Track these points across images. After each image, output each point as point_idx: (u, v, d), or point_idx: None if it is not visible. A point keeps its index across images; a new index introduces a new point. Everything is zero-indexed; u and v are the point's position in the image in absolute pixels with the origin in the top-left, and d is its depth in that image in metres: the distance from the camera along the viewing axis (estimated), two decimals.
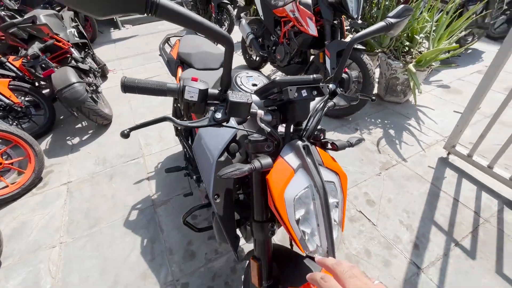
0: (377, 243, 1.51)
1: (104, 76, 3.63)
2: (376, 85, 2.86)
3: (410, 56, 2.40)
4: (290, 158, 0.66)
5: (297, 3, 2.34)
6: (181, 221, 1.68)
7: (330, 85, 0.80)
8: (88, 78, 2.61)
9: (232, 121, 0.79)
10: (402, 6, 0.77)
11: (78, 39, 2.95)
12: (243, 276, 1.39)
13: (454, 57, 3.43)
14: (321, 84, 0.66)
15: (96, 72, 2.87)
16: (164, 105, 2.96)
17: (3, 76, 2.38)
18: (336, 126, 2.45)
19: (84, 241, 1.64)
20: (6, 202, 1.92)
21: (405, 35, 2.44)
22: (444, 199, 1.71)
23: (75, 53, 2.60)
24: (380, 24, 0.75)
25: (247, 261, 1.04)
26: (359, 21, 2.16)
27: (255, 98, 0.71)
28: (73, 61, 2.63)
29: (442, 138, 2.20)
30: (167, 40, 1.69)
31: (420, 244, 1.48)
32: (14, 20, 2.12)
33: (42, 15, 2.49)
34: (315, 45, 2.49)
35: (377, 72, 2.78)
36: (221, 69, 1.50)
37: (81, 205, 1.88)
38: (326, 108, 0.76)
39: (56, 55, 2.51)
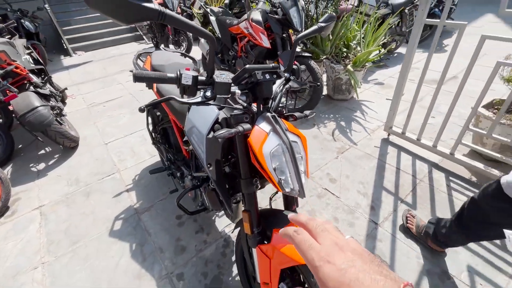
0: (342, 211, 1.78)
1: (63, 102, 3.54)
2: (325, 87, 3.31)
3: (348, 60, 2.87)
4: (263, 126, 0.88)
5: (250, 21, 2.68)
6: (168, 222, 1.78)
7: (286, 74, 1.06)
8: (51, 102, 2.58)
9: (215, 108, 1.00)
10: (327, 14, 1.08)
11: (33, 65, 2.90)
12: (234, 246, 1.54)
13: (385, 59, 4.10)
14: (278, 70, 0.91)
15: (57, 97, 2.83)
16: (131, 123, 3.01)
17: None
18: (297, 124, 2.77)
19: (68, 257, 1.64)
20: None
21: (342, 43, 2.93)
22: (389, 169, 2.09)
23: (35, 79, 2.57)
24: (314, 27, 1.05)
25: (237, 242, 1.21)
26: (302, 33, 2.55)
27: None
28: (31, 87, 2.58)
29: (382, 124, 2.64)
30: (138, 56, 1.84)
31: (375, 206, 1.80)
32: None
33: None
34: (269, 55, 2.83)
35: (325, 76, 3.23)
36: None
37: (58, 225, 1.86)
38: (284, 89, 1.01)
39: (14, 82, 2.46)
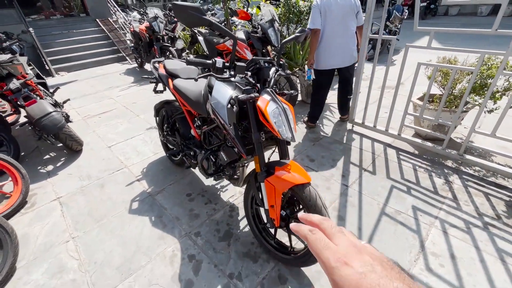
0: (320, 179, 2.26)
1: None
2: (300, 94, 3.91)
3: None
4: (266, 96, 1.35)
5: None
6: (180, 199, 2.12)
7: (276, 67, 1.56)
8: (59, 108, 2.84)
9: (230, 89, 1.45)
10: (300, 28, 1.63)
11: (36, 79, 3.15)
12: (242, 204, 1.92)
13: None
14: (273, 61, 1.40)
15: (61, 106, 3.09)
16: (130, 130, 3.32)
17: None
18: None
19: (96, 231, 1.90)
20: None
21: None
22: (354, 150, 2.64)
23: (41, 89, 2.83)
24: (292, 36, 1.57)
25: (245, 197, 1.62)
26: (278, 48, 3.15)
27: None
28: (38, 97, 2.84)
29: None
30: (154, 63, 2.25)
31: (345, 174, 2.30)
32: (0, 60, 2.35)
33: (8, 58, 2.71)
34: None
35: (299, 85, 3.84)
36: (199, 78, 2.15)
37: (80, 210, 2.11)
38: (276, 75, 1.50)
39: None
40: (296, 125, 1.44)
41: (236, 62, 1.27)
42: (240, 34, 3.22)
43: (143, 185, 2.33)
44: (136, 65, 6.58)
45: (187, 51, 5.30)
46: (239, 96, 1.25)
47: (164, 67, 2.08)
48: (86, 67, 6.77)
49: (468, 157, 2.24)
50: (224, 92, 1.46)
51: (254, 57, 1.34)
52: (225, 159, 1.59)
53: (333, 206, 1.98)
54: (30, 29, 5.77)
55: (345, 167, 2.40)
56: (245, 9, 3.25)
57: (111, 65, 6.98)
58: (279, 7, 3.46)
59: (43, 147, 3.02)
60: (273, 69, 1.50)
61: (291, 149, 2.70)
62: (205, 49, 3.81)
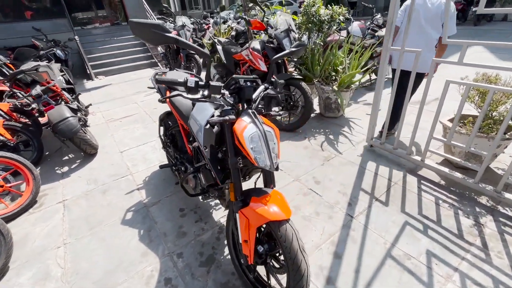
0: (323, 206, 2.04)
1: (86, 116, 4.01)
2: (317, 106, 3.68)
3: (336, 82, 3.26)
4: (245, 118, 1.22)
5: (250, 49, 3.15)
6: (172, 214, 2.07)
7: (266, 84, 1.42)
8: (79, 114, 3.01)
9: (212, 108, 1.35)
10: (298, 42, 1.47)
11: (66, 85, 3.40)
12: (225, 230, 1.79)
13: (374, 82, 4.50)
14: (256, 79, 1.27)
15: (82, 111, 3.28)
16: (144, 135, 3.40)
17: None
18: (290, 136, 3.10)
19: (88, 239, 1.93)
20: (7, 221, 2.12)
21: (331, 67, 3.35)
22: (368, 174, 2.36)
23: (67, 95, 3.03)
24: (286, 51, 1.43)
25: (227, 222, 1.49)
26: (295, 59, 2.99)
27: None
28: (63, 102, 3.04)
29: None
30: (155, 74, 2.26)
31: (352, 203, 2.05)
32: (23, 68, 2.57)
33: (39, 65, 2.95)
34: (266, 78, 3.26)
35: (317, 98, 3.62)
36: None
37: (79, 214, 2.17)
38: (262, 94, 1.36)
39: (50, 97, 2.92)
40: (279, 152, 1.28)
41: (210, 82, 1.16)
42: (255, 44, 3.13)
43: (141, 195, 2.33)
44: (166, 70, 6.87)
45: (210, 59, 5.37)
46: (210, 119, 1.14)
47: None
48: (122, 72, 7.24)
49: (508, 195, 1.85)
50: (203, 112, 1.36)
51: (234, 75, 1.22)
52: (203, 182, 1.49)
53: (331, 240, 1.75)
54: (76, 37, 6.36)
55: (354, 193, 2.14)
56: (262, 20, 3.15)
57: (144, 70, 7.39)
58: (300, 15, 3.30)
59: (64, 148, 3.22)
60: (261, 87, 1.37)
61: (294, 168, 2.51)
62: (223, 58, 3.79)
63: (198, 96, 1.17)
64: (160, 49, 6.58)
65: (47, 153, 3.18)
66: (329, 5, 3.23)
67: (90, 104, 3.62)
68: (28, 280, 1.65)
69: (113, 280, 1.61)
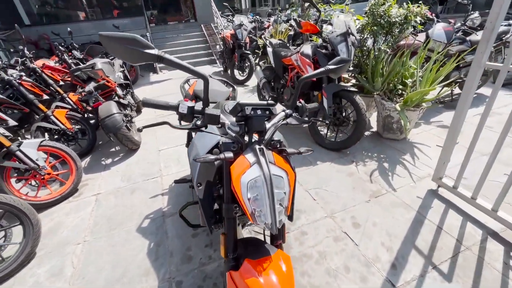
0: (357, 260, 1.62)
1: (139, 111, 4.29)
2: (375, 123, 3.11)
3: (402, 98, 2.66)
4: (249, 156, 0.94)
5: (299, 54, 2.80)
6: (184, 231, 1.94)
7: (287, 110, 1.11)
8: (126, 110, 3.18)
9: (216, 131, 1.12)
10: (338, 58, 1.10)
11: (123, 80, 3.64)
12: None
13: (455, 99, 3.61)
14: (270, 107, 0.97)
15: (132, 107, 3.46)
16: (185, 135, 3.40)
17: (62, 107, 3.02)
18: (334, 157, 2.67)
19: (103, 240, 1.94)
20: (48, 206, 2.32)
21: (397, 80, 2.75)
22: (428, 226, 1.80)
23: (119, 91, 3.22)
24: (322, 69, 1.08)
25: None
26: (351, 68, 2.52)
27: (230, 118, 1.03)
28: (116, 97, 3.25)
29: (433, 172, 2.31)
30: (187, 80, 2.16)
31: (398, 264, 1.57)
32: (80, 66, 2.81)
33: (100, 62, 3.20)
34: (314, 87, 2.87)
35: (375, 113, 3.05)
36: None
37: (105, 212, 2.22)
38: (280, 124, 1.05)
39: (105, 92, 3.15)
40: (291, 203, 0.97)
41: (207, 109, 0.92)
42: (306, 49, 2.77)
43: (163, 202, 2.28)
44: (222, 68, 6.97)
45: (264, 60, 5.17)
46: (196, 159, 0.89)
47: (194, 87, 1.92)
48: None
49: None
50: (204, 139, 1.13)
51: (240, 102, 0.95)
52: (201, 222, 1.26)
53: None
54: (148, 33, 6.94)
55: (402, 251, 1.65)
56: (317, 22, 2.73)
57: (203, 66, 7.66)
58: (365, 16, 2.76)
59: (112, 139, 3.45)
60: (279, 115, 1.06)
61: (331, 199, 2.10)
62: (272, 61, 3.53)
63: (189, 125, 0.94)
64: (218, 47, 6.68)
65: (100, 142, 3.47)
66: (405, 3, 2.62)
67: (140, 100, 3.81)
68: (44, 273, 1.73)
69: None
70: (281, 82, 3.41)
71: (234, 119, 1.01)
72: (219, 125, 0.95)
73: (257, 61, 5.21)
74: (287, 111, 1.11)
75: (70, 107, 3.09)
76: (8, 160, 2.14)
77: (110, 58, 3.90)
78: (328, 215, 1.98)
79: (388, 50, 2.69)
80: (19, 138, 2.71)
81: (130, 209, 2.22)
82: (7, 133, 2.22)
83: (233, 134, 0.96)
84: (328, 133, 2.97)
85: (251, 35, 5.78)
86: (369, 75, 2.81)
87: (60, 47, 3.90)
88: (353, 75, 3.06)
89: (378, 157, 2.62)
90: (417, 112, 2.62)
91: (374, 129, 3.14)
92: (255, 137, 1.02)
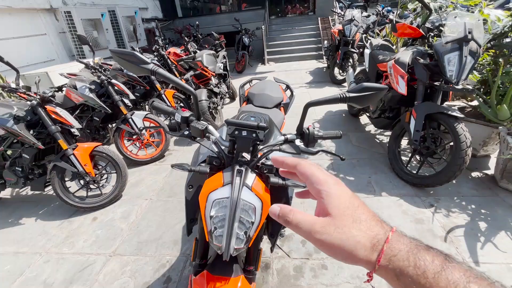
0: None
1: (233, 98, 4.77)
2: (493, 165, 2.25)
3: None
4: (226, 175, 0.92)
5: (394, 61, 2.32)
6: None
7: (289, 135, 0.99)
8: (215, 98, 3.60)
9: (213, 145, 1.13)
10: (360, 84, 0.87)
11: (222, 71, 4.11)
12: None
13: None
14: (259, 131, 0.90)
15: (223, 95, 3.88)
16: None
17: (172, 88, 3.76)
18: (407, 193, 2.14)
19: (160, 203, 2.38)
20: (141, 164, 3.02)
21: None
22: None
23: (213, 80, 3.68)
24: (335, 95, 0.88)
25: None
26: (459, 86, 1.89)
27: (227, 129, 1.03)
28: (211, 86, 3.73)
29: None
30: (248, 81, 2.22)
31: None
32: (183, 57, 3.40)
33: (204, 54, 3.73)
34: (404, 102, 2.34)
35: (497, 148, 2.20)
36: (274, 108, 1.84)
37: (172, 180, 2.69)
38: (271, 149, 0.96)
39: (202, 80, 3.67)
40: (255, 237, 0.91)
41: (194, 121, 0.95)
42: (404, 55, 2.26)
43: None
44: (326, 65, 6.64)
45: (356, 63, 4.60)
46: (172, 165, 0.95)
47: (249, 89, 1.97)
48: (290, 60, 7.77)
49: None
50: (203, 150, 1.17)
51: (227, 120, 0.93)
52: None
53: None
54: (262, 26, 7.39)
55: None
56: (417, 23, 2.12)
57: (309, 61, 7.53)
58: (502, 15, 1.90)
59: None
60: (279, 139, 0.97)
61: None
62: (367, 65, 3.08)
63: (177, 134, 1.00)
64: (326, 42, 6.36)
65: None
66: None
67: (231, 91, 4.20)
68: (119, 213, 2.31)
69: (145, 249, 1.92)
70: None
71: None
72: (202, 138, 0.97)
73: (356, 61, 4.66)
74: (289, 136, 0.99)
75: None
76: (124, 124, 2.90)
77: (219, 49, 4.47)
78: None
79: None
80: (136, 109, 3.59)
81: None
82: (129, 104, 2.99)
83: (216, 149, 0.96)
84: (413, 161, 2.39)
85: (362, 32, 5.16)
86: (493, 98, 2.01)
87: (186, 38, 4.78)
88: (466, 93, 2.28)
89: (476, 211, 1.92)
90: None
91: (490, 171, 2.28)
92: (247, 156, 0.98)
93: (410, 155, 2.31)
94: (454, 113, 1.92)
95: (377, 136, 3.14)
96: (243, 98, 2.00)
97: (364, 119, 3.57)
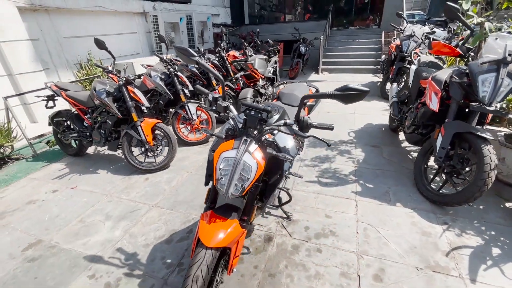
0: None
1: None
2: None
3: None
4: (236, 142, 1.26)
5: (431, 78, 2.35)
6: None
7: (288, 121, 1.27)
8: (260, 98, 4.00)
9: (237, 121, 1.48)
10: (345, 84, 1.11)
11: (271, 74, 4.49)
12: None
13: None
14: (261, 113, 1.21)
15: (268, 97, 4.26)
16: None
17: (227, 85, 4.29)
18: (423, 208, 2.15)
19: (197, 177, 2.85)
20: (189, 145, 3.58)
21: None
22: None
23: (260, 82, 4.08)
24: (324, 92, 1.14)
25: None
26: (491, 108, 1.86)
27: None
28: (258, 86, 4.14)
29: None
30: (283, 82, 2.53)
31: None
32: (237, 60, 3.88)
33: (257, 58, 4.16)
34: (435, 119, 2.33)
35: None
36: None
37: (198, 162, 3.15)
38: (270, 128, 1.26)
39: (252, 81, 4.11)
40: (247, 189, 1.24)
41: (220, 100, 1.31)
42: (441, 73, 2.30)
43: None
44: (381, 80, 6.46)
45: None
46: (202, 130, 1.33)
47: (281, 89, 2.27)
48: (344, 72, 7.75)
49: None
50: (228, 123, 1.52)
51: (242, 101, 1.27)
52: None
53: None
54: (321, 36, 7.57)
55: None
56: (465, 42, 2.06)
57: (364, 74, 7.40)
58: None
59: None
60: (280, 122, 1.26)
61: (375, 238, 1.84)
62: (410, 80, 3.08)
63: (209, 109, 1.38)
64: (383, 57, 6.21)
65: None
66: None
67: (270, 95, 4.54)
68: (165, 178, 2.86)
69: (179, 206, 2.38)
70: (410, 106, 2.94)
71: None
72: (225, 114, 1.33)
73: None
74: (288, 121, 1.28)
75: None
76: (181, 110, 3.50)
77: (271, 55, 4.88)
78: (357, 251, 1.80)
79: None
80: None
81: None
82: (188, 94, 3.59)
83: (232, 123, 1.31)
84: (438, 180, 2.35)
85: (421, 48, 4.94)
86: None
87: (245, 43, 5.33)
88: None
89: (494, 238, 1.85)
90: None
91: None
92: (255, 132, 1.30)
93: (435, 172, 2.30)
94: (483, 134, 1.90)
95: (412, 153, 3.09)
96: (274, 96, 2.32)
97: (402, 135, 3.51)
